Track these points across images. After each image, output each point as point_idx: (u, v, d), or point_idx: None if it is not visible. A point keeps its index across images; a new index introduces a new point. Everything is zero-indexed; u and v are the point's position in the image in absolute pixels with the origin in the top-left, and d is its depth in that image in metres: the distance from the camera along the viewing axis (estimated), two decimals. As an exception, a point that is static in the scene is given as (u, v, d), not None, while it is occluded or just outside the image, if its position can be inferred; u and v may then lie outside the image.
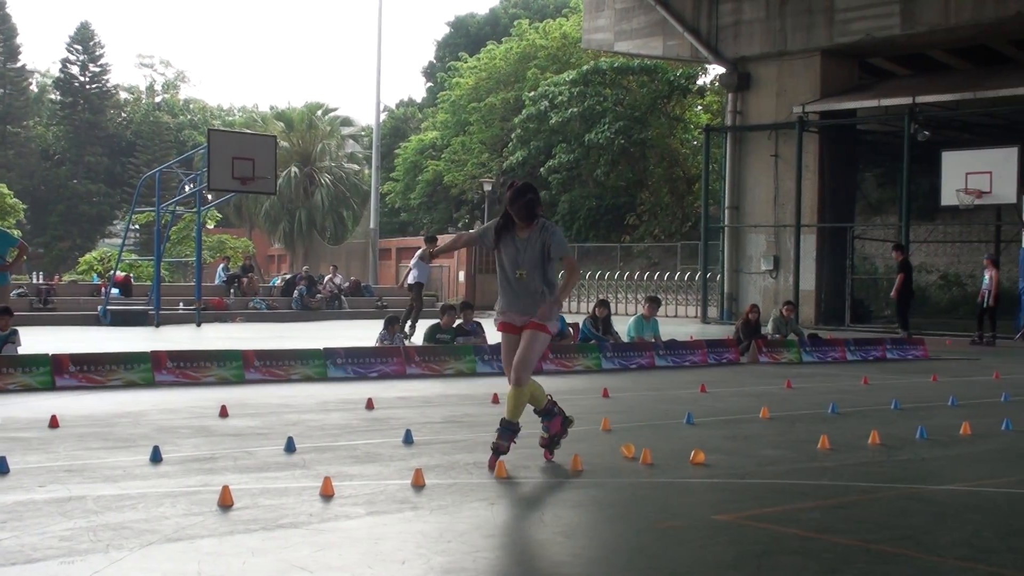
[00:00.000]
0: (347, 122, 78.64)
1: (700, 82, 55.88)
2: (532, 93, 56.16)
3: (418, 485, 7.66)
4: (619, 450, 9.15)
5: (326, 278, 40.11)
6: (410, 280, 25.78)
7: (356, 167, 74.32)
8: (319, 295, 37.96)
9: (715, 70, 46.47)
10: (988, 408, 13.19)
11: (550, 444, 8.96)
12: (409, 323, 24.60)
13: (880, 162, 41.99)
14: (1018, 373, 19.03)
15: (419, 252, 26.02)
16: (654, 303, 21.47)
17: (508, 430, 8.59)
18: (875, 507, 7.30)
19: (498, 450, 8.53)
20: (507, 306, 8.67)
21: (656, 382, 16.45)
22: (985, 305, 27.31)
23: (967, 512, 7.13)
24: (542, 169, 55.47)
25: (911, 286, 27.17)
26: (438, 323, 19.52)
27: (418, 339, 21.79)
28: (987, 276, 27.55)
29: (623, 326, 21.40)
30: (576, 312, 38.92)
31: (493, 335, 20.97)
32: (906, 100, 32.74)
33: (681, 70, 52.74)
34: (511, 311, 8.65)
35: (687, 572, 5.66)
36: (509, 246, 8.57)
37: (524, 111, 56.08)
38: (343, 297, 38.95)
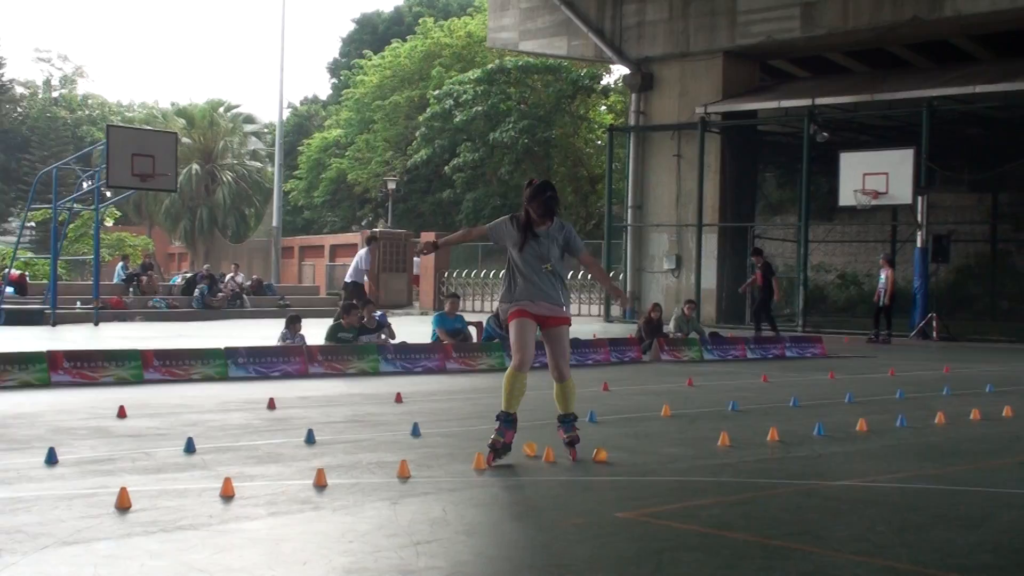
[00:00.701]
0: (250, 119, 77.84)
1: (604, 82, 56.27)
2: (437, 91, 56.09)
3: (320, 485, 7.61)
4: (522, 448, 9.18)
5: (227, 277, 39.64)
6: (346, 279, 26.14)
7: (259, 164, 73.59)
8: (220, 294, 37.52)
9: (619, 70, 46.79)
10: (884, 405, 13.45)
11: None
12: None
13: (780, 162, 42.58)
14: (913, 370, 19.43)
15: (362, 250, 26.61)
16: None
17: (568, 422, 9.04)
18: (773, 503, 7.40)
19: (572, 441, 8.96)
20: (532, 296, 8.88)
21: (559, 380, 16.51)
22: (881, 304, 27.85)
23: (863, 507, 7.26)
24: (446, 168, 55.43)
25: (771, 288, 27.38)
26: (340, 322, 19.42)
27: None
28: (883, 275, 28.09)
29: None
30: (479, 311, 38.96)
31: (404, 330, 20.91)
32: (806, 102, 33.28)
33: (585, 70, 53.03)
34: (537, 301, 8.87)
35: (588, 569, 5.69)
36: (532, 239, 8.89)
37: (429, 109, 56.00)
38: (245, 296, 38.53)
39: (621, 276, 36.85)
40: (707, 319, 33.16)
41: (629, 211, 36.82)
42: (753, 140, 37.65)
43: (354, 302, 21.50)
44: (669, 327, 22.44)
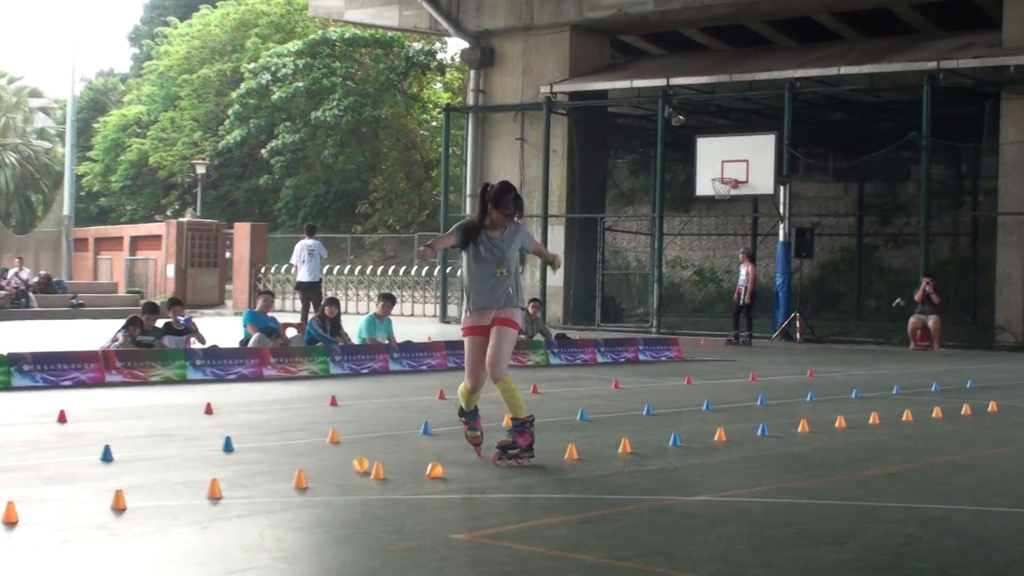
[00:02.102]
0: (36, 93, 75.85)
1: (440, 58, 56.30)
2: (252, 65, 55.47)
3: (118, 508, 7.46)
4: (350, 464, 9.13)
5: (10, 272, 38.58)
6: (300, 278, 27.36)
7: (47, 144, 71.78)
8: (2, 292, 36.51)
9: (457, 44, 46.85)
10: (744, 412, 13.73)
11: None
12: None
13: (633, 148, 43.17)
14: (775, 375, 19.88)
15: (303, 245, 27.40)
16: (388, 301, 21.49)
17: (522, 427, 9.59)
18: (625, 521, 7.50)
19: (506, 446, 9.55)
20: (484, 303, 9.63)
21: (390, 388, 16.47)
22: (741, 303, 28.44)
23: (721, 524, 7.40)
24: (263, 151, 54.88)
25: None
26: (170, 323, 19.20)
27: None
28: (743, 272, 28.69)
29: (354, 326, 21.34)
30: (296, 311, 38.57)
31: (213, 334, 20.62)
32: (660, 82, 33.70)
33: (419, 44, 53.02)
34: (488, 308, 9.60)
35: (423, 598, 5.69)
36: (485, 244, 9.57)
37: (243, 85, 55.34)
38: (31, 294, 37.58)
39: (459, 272, 36.90)
40: (553, 319, 33.46)
41: (467, 200, 36.89)
42: (603, 123, 38.06)
43: (153, 301, 21.22)
44: (512, 328, 22.51)
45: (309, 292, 27.16)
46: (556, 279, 34.87)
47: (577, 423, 12.41)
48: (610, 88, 35.78)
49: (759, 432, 11.63)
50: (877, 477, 9.42)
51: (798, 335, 29.58)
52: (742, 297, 28.38)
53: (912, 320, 27.93)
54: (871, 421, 12.79)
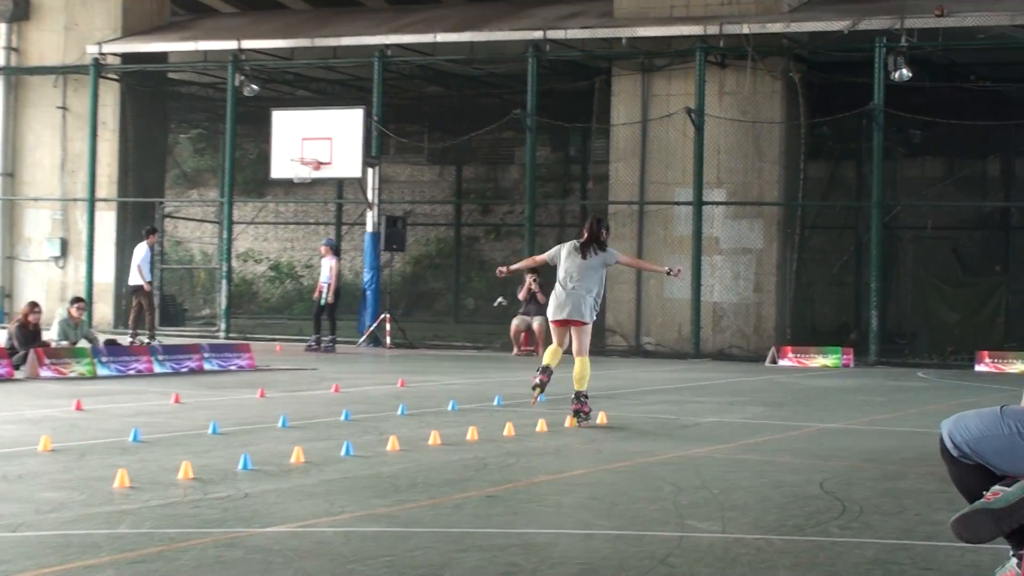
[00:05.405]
0: None
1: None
2: None
3: None
4: None
5: None
6: (147, 278, 27.73)
7: None
8: None
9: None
10: (325, 429, 13.80)
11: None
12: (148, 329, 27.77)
13: (198, 122, 42.72)
14: (362, 385, 20.08)
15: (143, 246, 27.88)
16: (81, 302, 20.78)
17: (583, 396, 14.91)
18: (186, 559, 7.39)
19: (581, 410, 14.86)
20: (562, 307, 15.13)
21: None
22: (323, 303, 28.54)
23: (299, 559, 7.40)
24: None
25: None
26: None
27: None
28: (326, 266, 28.81)
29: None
30: None
31: None
32: (230, 44, 33.42)
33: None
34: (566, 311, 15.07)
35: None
36: (576, 259, 15.08)
37: None
38: None
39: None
40: (102, 323, 32.75)
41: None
42: (163, 92, 37.50)
43: None
44: (51, 333, 21.93)
45: None
46: (105, 274, 34.06)
47: (129, 445, 12.17)
48: (171, 50, 35.31)
49: (343, 451, 11.70)
50: (475, 500, 9.63)
51: (388, 340, 29.95)
52: (324, 296, 28.46)
53: (515, 322, 28.76)
54: (469, 437, 13.07)
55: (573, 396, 14.86)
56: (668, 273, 15.94)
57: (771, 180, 29.95)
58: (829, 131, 32.94)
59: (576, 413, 14.74)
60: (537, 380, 15.21)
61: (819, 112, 30.87)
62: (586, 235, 15.09)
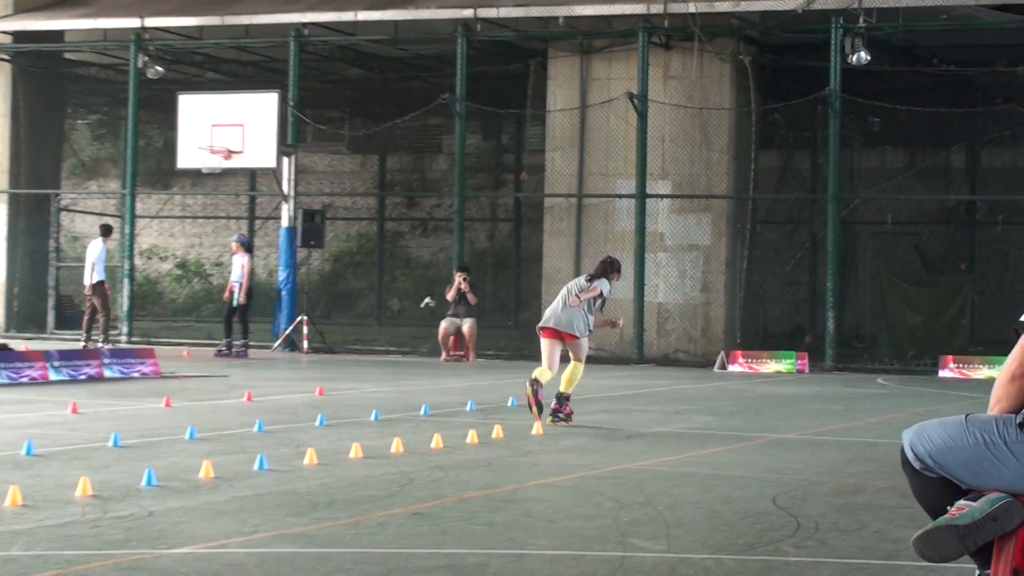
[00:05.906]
0: None
1: None
2: None
3: None
4: None
5: None
6: (99, 278, 27.87)
7: None
8: None
9: None
10: (237, 441, 13.75)
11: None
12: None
13: (98, 107, 42.41)
14: (277, 393, 20.04)
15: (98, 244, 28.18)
16: None
17: (564, 399, 16.05)
18: (84, 584, 7.36)
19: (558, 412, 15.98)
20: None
21: None
22: (235, 304, 28.38)
23: (207, 582, 7.38)
24: None
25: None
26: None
27: None
28: (237, 264, 28.65)
29: None
30: None
31: None
32: (132, 22, 33.14)
33: None
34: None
35: None
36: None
37: None
38: None
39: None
40: (-9, 326, 32.48)
41: None
42: (59, 74, 37.21)
43: None
44: (-65, 338, 21.77)
45: None
46: (-5, 273, 33.83)
47: (22, 459, 12.08)
48: (68, 28, 35.04)
49: (256, 466, 11.65)
50: (400, 518, 9.62)
51: (305, 344, 29.88)
52: (235, 296, 28.30)
53: (444, 325, 28.74)
54: (393, 449, 13.05)
55: (556, 395, 16.05)
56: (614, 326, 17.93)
57: (720, 171, 30.05)
58: (782, 118, 33.12)
59: (554, 413, 15.94)
60: (538, 400, 15.73)
61: (771, 98, 31.01)
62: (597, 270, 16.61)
